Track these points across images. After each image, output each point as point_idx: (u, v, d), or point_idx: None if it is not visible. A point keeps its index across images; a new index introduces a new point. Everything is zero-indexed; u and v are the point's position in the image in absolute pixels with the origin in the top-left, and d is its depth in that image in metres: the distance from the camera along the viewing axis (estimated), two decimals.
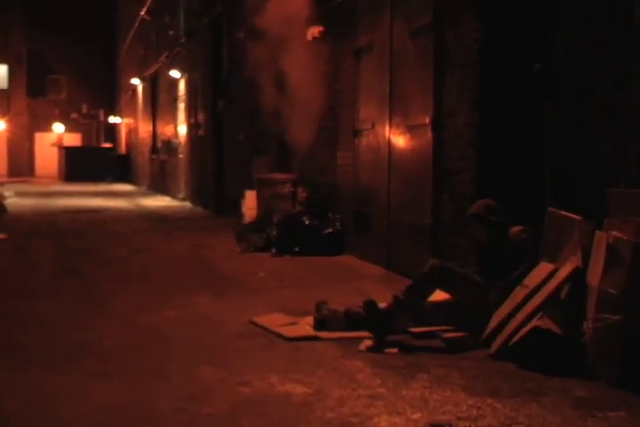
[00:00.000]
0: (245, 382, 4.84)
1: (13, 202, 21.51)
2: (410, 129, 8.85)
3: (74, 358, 5.47)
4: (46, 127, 47.91)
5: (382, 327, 5.74)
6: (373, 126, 9.96)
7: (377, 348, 5.64)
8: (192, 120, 22.34)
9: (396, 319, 5.81)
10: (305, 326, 6.24)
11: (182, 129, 24.06)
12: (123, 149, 41.96)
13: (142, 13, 30.16)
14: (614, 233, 4.93)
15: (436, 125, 8.12)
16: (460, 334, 5.80)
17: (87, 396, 4.60)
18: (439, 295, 6.02)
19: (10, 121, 47.76)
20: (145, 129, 32.34)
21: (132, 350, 5.68)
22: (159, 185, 28.30)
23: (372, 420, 4.17)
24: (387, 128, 9.49)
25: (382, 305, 5.91)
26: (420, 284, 5.93)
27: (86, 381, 4.89)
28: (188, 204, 22.11)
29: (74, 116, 48.43)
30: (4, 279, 9.11)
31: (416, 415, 4.24)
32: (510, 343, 5.33)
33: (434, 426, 4.07)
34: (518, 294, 5.59)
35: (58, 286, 8.56)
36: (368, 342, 5.71)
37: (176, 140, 25.06)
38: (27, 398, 4.58)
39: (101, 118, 47.92)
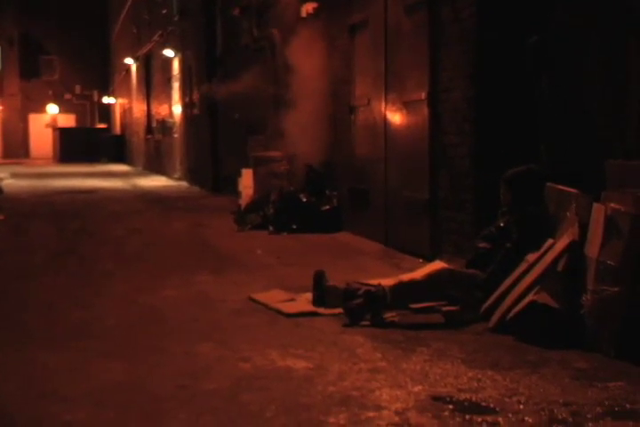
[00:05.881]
0: (246, 359, 4.85)
1: (9, 183, 21.46)
2: (406, 105, 8.83)
3: (74, 337, 5.49)
4: (40, 108, 47.68)
5: (353, 307, 5.71)
6: (369, 102, 9.92)
7: (351, 323, 5.63)
8: (187, 99, 22.25)
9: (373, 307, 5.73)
10: (304, 301, 6.25)
11: (177, 108, 23.97)
12: (117, 129, 41.83)
13: None
14: (612, 205, 4.93)
15: (432, 101, 8.10)
16: (455, 307, 5.80)
17: (88, 374, 4.61)
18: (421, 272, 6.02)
19: (3, 103, 47.55)
20: (139, 109, 32.21)
21: (132, 329, 5.70)
22: (154, 165, 28.24)
23: (373, 393, 4.19)
24: (382, 104, 9.46)
25: (372, 283, 5.90)
26: (416, 286, 5.83)
27: (87, 359, 4.91)
28: (184, 183, 22.07)
29: (67, 96, 48.18)
30: (3, 259, 9.11)
31: (417, 388, 4.26)
32: (508, 318, 5.35)
33: (435, 398, 4.09)
34: (519, 268, 5.60)
35: (57, 266, 8.57)
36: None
37: (171, 120, 24.98)
38: (28, 377, 4.60)
39: (95, 99, 47.69)
